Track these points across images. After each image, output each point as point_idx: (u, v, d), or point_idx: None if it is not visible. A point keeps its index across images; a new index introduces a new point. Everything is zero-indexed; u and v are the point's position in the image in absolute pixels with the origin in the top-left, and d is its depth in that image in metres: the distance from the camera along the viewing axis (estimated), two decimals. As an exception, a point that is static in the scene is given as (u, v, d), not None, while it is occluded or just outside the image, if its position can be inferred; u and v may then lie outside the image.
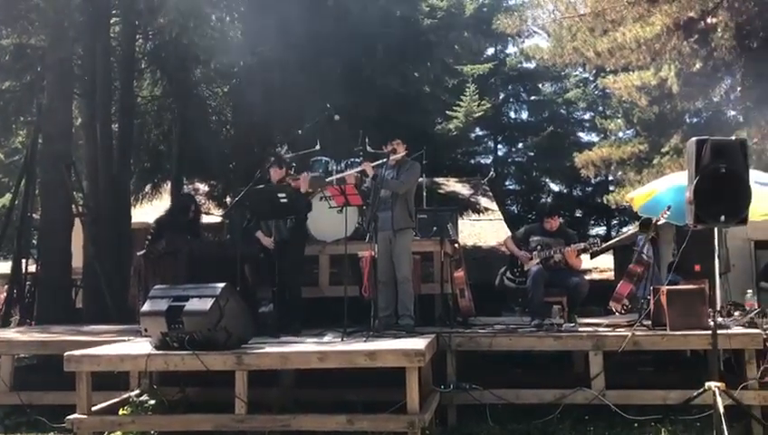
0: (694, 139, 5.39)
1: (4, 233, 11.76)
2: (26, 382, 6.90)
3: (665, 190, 7.45)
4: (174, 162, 13.30)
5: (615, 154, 16.88)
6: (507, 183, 29.42)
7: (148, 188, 14.87)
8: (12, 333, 7.99)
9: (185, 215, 7.39)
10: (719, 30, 11.66)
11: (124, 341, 6.20)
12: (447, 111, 19.93)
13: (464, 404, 5.95)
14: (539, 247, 6.93)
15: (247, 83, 12.22)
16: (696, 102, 14.48)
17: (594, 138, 27.07)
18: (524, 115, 30.32)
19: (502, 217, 19.82)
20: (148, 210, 13.22)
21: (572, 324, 6.58)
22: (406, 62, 13.10)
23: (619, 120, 21.14)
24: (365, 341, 5.61)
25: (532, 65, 27.18)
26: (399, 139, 6.79)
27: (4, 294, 11.58)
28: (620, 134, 20.84)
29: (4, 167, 16.37)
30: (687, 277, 6.93)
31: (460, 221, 11.88)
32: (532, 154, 29.14)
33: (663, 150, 15.33)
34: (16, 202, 11.54)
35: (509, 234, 10.69)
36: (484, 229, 18.37)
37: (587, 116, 29.50)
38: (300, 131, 9.25)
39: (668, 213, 6.91)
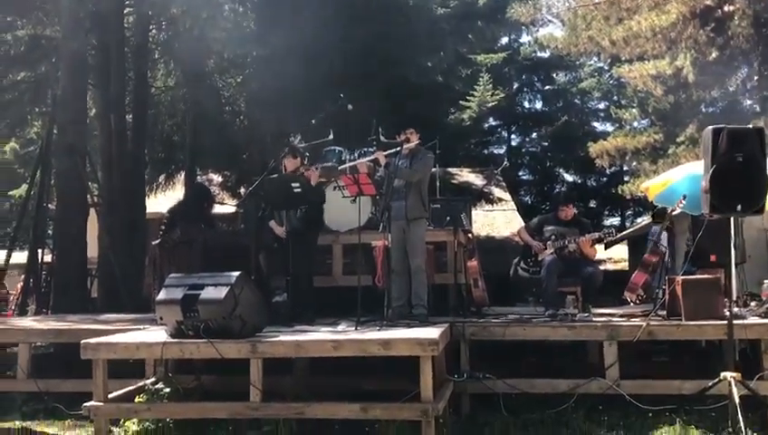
0: (710, 127, 5.35)
1: (21, 223, 11.90)
2: (43, 370, 6.99)
3: (680, 180, 7.40)
4: (187, 153, 13.36)
5: (630, 144, 16.75)
6: (521, 173, 29.30)
7: (161, 178, 14.97)
8: (29, 322, 8.08)
9: (202, 204, 7.42)
10: (736, 18, 11.57)
11: (139, 329, 6.26)
12: (461, 101, 19.85)
13: (477, 393, 5.96)
14: (553, 237, 6.91)
15: (260, 74, 12.24)
16: (712, 92, 14.36)
17: (609, 128, 26.89)
18: (538, 105, 30.19)
19: (515, 207, 19.77)
20: (162, 200, 13.30)
21: (586, 314, 6.57)
22: (419, 52, 13.06)
23: (633, 110, 20.97)
24: (379, 330, 5.63)
25: (546, 54, 27.01)
26: (413, 128, 6.78)
27: (21, 283, 11.70)
28: (635, 124, 20.69)
29: (20, 157, 16.54)
30: (703, 267, 6.90)
31: (473, 211, 11.85)
32: (546, 144, 29.01)
33: (678, 140, 15.20)
34: (32, 193, 11.66)
35: (522, 224, 10.66)
36: (497, 220, 18.35)
37: (601, 106, 29.33)
38: (313, 121, 9.27)
39: (684, 202, 6.87)
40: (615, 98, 27.49)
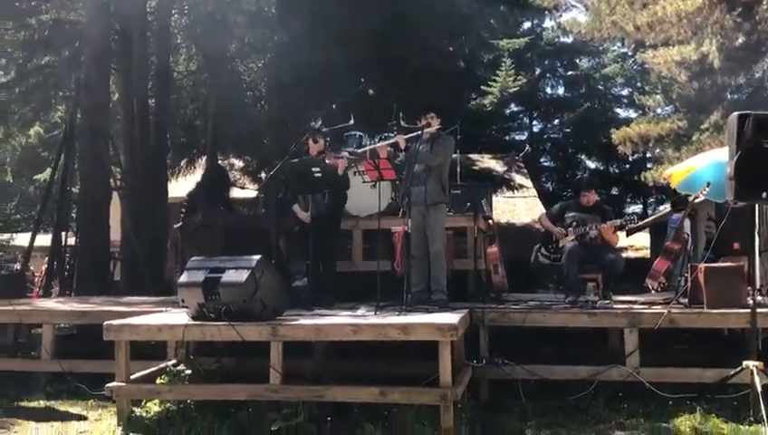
0: (736, 113, 5.28)
1: (45, 206, 12.03)
2: (66, 351, 7.08)
3: (704, 167, 7.32)
4: (209, 137, 13.42)
5: (653, 131, 16.56)
6: (542, 160, 29.15)
7: (183, 162, 15.07)
8: (52, 304, 8.19)
9: (219, 186, 7.44)
10: (764, 3, 11.36)
11: (161, 311, 6.32)
12: (482, 87, 19.74)
13: (496, 379, 5.95)
14: (574, 223, 6.86)
15: (281, 58, 12.24)
16: (738, 78, 14.16)
17: (632, 114, 26.61)
18: (561, 91, 29.95)
19: (536, 193, 19.69)
20: (184, 184, 13.38)
21: (607, 301, 6.53)
22: (440, 37, 12.98)
23: (657, 97, 20.73)
24: (398, 314, 5.64)
25: (569, 40, 26.79)
26: (434, 113, 6.74)
27: (45, 266, 11.86)
28: (659, 110, 20.45)
29: (44, 142, 16.67)
30: (726, 255, 6.83)
31: (494, 198, 11.82)
32: (568, 130, 28.80)
33: (703, 127, 15.02)
34: (56, 176, 11.77)
35: (544, 211, 10.61)
36: (518, 206, 18.29)
37: (625, 92, 29.04)
38: (333, 106, 9.25)
39: (708, 189, 6.79)
40: (639, 84, 27.20)
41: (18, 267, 13.07)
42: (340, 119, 8.54)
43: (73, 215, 11.97)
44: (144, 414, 5.40)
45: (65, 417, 5.81)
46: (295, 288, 6.76)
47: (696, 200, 7.04)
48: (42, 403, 6.27)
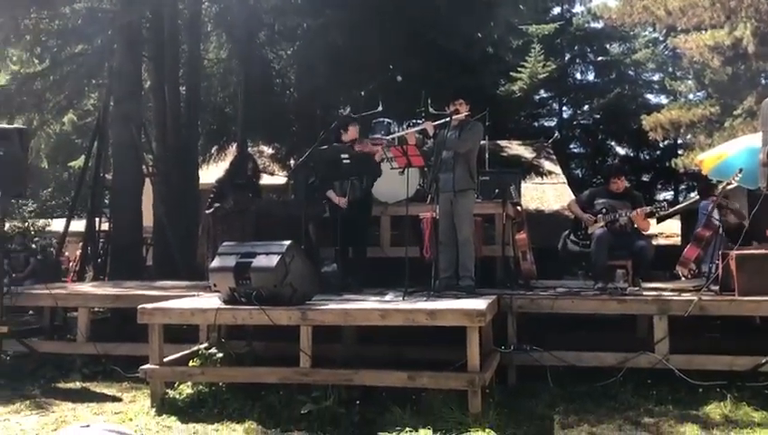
0: (770, 98, 5.20)
1: (79, 193, 12.23)
2: (101, 334, 7.24)
3: (736, 153, 7.22)
4: (239, 124, 13.51)
5: (685, 117, 16.34)
6: (572, 146, 28.90)
7: (214, 149, 15.18)
8: (87, 288, 8.35)
9: (242, 173, 7.48)
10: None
11: (193, 296, 6.41)
12: (511, 73, 19.57)
13: (524, 365, 5.95)
14: (604, 210, 6.80)
15: (310, 45, 12.26)
16: (773, 62, 13.89)
17: (663, 100, 26.30)
18: (591, 76, 29.64)
19: (566, 180, 19.54)
20: (215, 171, 13.48)
21: (637, 288, 6.48)
22: (469, 23, 12.89)
23: (689, 82, 20.47)
24: (426, 300, 5.66)
25: (599, 25, 26.50)
26: (462, 99, 6.73)
27: (79, 251, 12.08)
28: (691, 96, 20.21)
29: (78, 129, 16.92)
30: (759, 242, 6.73)
31: (523, 184, 11.75)
32: (598, 116, 28.50)
33: (735, 113, 14.78)
34: (89, 163, 11.96)
35: (573, 197, 10.53)
36: (547, 193, 18.18)
37: (656, 77, 28.68)
38: (362, 93, 9.26)
39: (740, 176, 6.70)
40: (670, 69, 26.86)
41: (53, 252, 13.33)
42: (368, 106, 8.57)
43: (106, 201, 12.14)
44: (177, 396, 5.50)
45: (101, 398, 5.93)
46: (324, 274, 6.80)
47: (728, 187, 6.95)
48: (78, 384, 6.41)
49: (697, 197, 14.11)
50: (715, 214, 7.06)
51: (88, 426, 3.54)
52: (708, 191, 8.36)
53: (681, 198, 25.74)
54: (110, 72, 11.74)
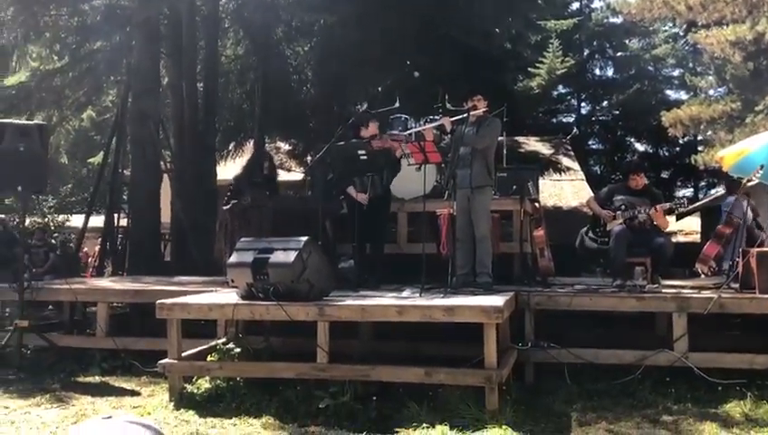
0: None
1: (97, 188, 12.37)
2: (120, 329, 7.31)
3: (758, 149, 7.14)
4: (256, 121, 13.57)
5: (705, 113, 16.18)
6: (590, 142, 28.76)
7: (231, 146, 15.26)
8: (106, 283, 8.44)
9: (258, 170, 7.52)
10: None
11: (211, 291, 6.46)
12: (529, 68, 19.51)
13: (541, 362, 5.95)
14: (623, 207, 6.77)
15: (327, 42, 12.29)
16: (796, 58, 13.74)
17: (683, 96, 26.08)
18: (610, 72, 29.46)
19: (584, 177, 19.45)
20: (232, 167, 13.55)
21: (656, 286, 6.45)
22: (487, 18, 12.86)
23: (710, 78, 20.26)
24: (443, 297, 5.66)
25: (618, 20, 26.35)
26: (480, 95, 6.72)
27: (98, 246, 12.20)
28: (711, 92, 19.99)
29: (96, 125, 17.05)
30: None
31: (541, 181, 11.71)
32: (617, 112, 28.34)
33: (757, 109, 14.61)
34: (108, 159, 12.08)
35: (591, 194, 10.48)
36: (565, 189, 18.11)
37: (676, 73, 28.45)
38: (379, 89, 9.28)
39: (761, 172, 6.64)
40: (690, 65, 26.66)
41: (73, 248, 13.47)
42: (385, 102, 8.57)
43: (125, 197, 12.25)
44: (195, 390, 5.54)
45: (120, 392, 5.99)
46: (341, 270, 6.83)
47: (750, 183, 6.89)
48: (97, 379, 6.49)
49: (719, 193, 13.99)
50: (737, 211, 7.01)
51: (110, 417, 3.59)
52: (735, 188, 8.30)
53: (701, 195, 25.55)
54: (128, 69, 11.83)
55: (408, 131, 7.70)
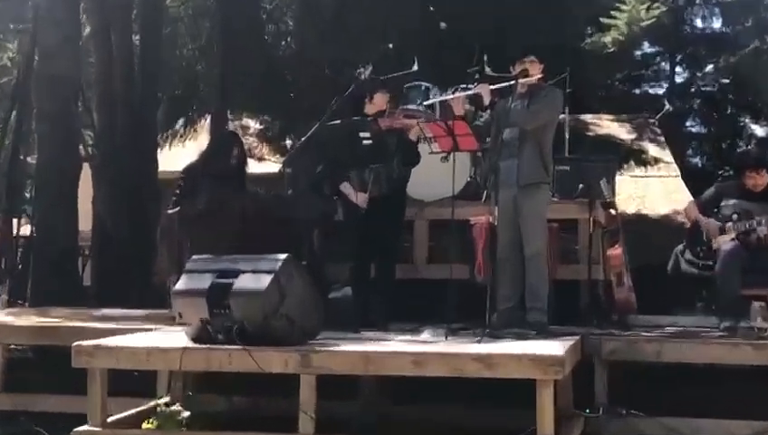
0: None
1: (-12, 183, 12.37)
2: (18, 383, 7.32)
3: None
4: (215, 89, 13.61)
5: None
6: (689, 124, 28.75)
7: (180, 123, 15.26)
8: (1, 316, 8.45)
9: (224, 159, 7.51)
10: None
11: (150, 330, 6.47)
12: (602, 19, 19.53)
13: (618, 435, 5.98)
14: (735, 216, 6.78)
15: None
16: None
17: (822, 58, 26.07)
18: (716, 24, 29.41)
19: (679, 172, 19.44)
20: (181, 153, 13.59)
21: (781, 329, 6.45)
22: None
23: None
24: (478, 341, 5.67)
25: (730, -51, 26.34)
26: (533, 56, 6.73)
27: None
28: None
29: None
30: None
31: (618, 177, 11.72)
32: (726, 82, 28.30)
33: None
34: (5, 142, 12.09)
35: (690, 198, 10.48)
36: (652, 189, 18.10)
37: (812, 25, 28.44)
38: (390, 46, 9.29)
39: None
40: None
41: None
42: (398, 65, 8.59)
43: (27, 195, 12.28)
44: (125, 471, 5.57)
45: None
46: (334, 301, 6.85)
47: None
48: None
49: None
50: None
51: None
52: None
53: None
54: (35, 14, 11.85)
55: (430, 102, 7.70)
